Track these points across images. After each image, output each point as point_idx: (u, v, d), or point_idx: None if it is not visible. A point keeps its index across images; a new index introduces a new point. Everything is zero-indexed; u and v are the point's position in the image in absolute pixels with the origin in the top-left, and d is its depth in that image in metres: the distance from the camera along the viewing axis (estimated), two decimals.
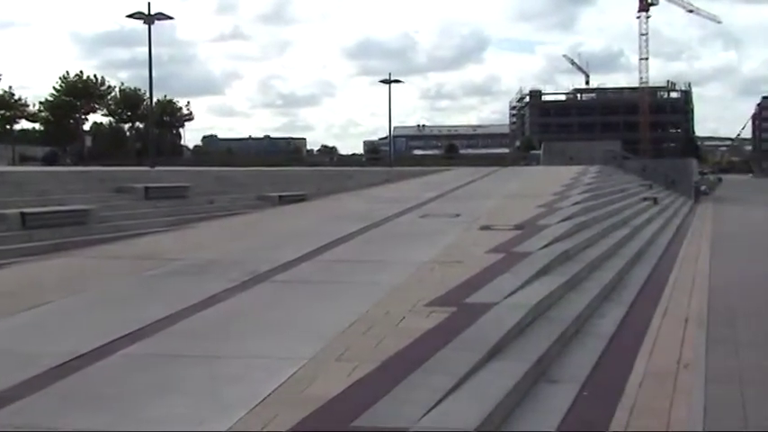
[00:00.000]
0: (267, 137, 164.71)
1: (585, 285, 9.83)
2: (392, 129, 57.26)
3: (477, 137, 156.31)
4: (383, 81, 45.78)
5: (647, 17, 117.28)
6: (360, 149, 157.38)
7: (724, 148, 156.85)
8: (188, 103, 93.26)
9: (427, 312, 6.95)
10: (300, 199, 20.32)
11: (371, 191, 23.91)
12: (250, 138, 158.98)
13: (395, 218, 15.16)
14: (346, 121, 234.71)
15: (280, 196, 19.58)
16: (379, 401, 4.67)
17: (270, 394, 4.77)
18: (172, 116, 75.65)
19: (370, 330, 6.32)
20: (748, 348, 7.22)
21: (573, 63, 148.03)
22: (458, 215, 15.15)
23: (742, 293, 10.52)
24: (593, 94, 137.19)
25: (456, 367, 5.37)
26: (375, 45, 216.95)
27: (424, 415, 4.52)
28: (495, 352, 5.97)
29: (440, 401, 4.75)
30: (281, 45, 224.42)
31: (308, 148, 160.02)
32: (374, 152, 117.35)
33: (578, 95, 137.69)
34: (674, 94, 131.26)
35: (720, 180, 71.68)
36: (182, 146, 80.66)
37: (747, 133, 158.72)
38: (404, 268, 9.31)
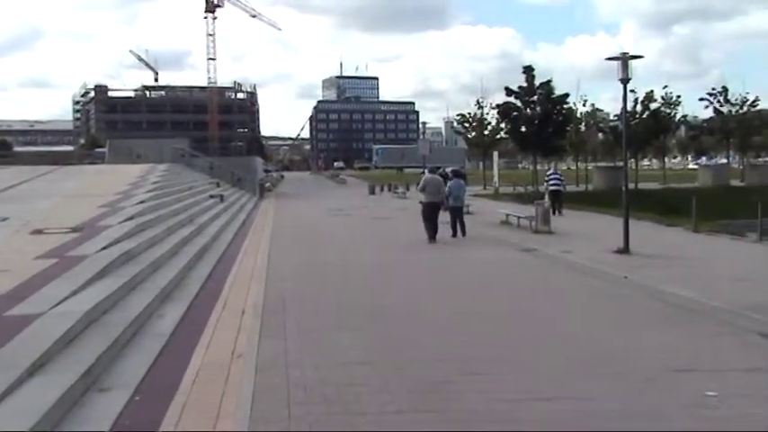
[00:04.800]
0: None
1: (146, 286, 9.70)
2: None
3: (35, 133, 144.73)
4: None
5: (214, 18, 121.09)
6: None
7: (286, 147, 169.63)
8: None
9: None
10: None
11: None
12: None
13: None
14: None
15: None
16: None
17: None
18: None
19: None
20: (294, 333, 7.81)
21: (140, 59, 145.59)
22: (5, 219, 13.70)
23: (293, 282, 11.37)
24: (163, 92, 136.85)
25: None
26: None
27: None
28: (37, 367, 5.51)
29: None
30: None
31: None
32: None
33: (147, 92, 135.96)
34: (240, 95, 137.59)
35: (283, 177, 77.23)
36: None
37: (306, 133, 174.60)
38: None
